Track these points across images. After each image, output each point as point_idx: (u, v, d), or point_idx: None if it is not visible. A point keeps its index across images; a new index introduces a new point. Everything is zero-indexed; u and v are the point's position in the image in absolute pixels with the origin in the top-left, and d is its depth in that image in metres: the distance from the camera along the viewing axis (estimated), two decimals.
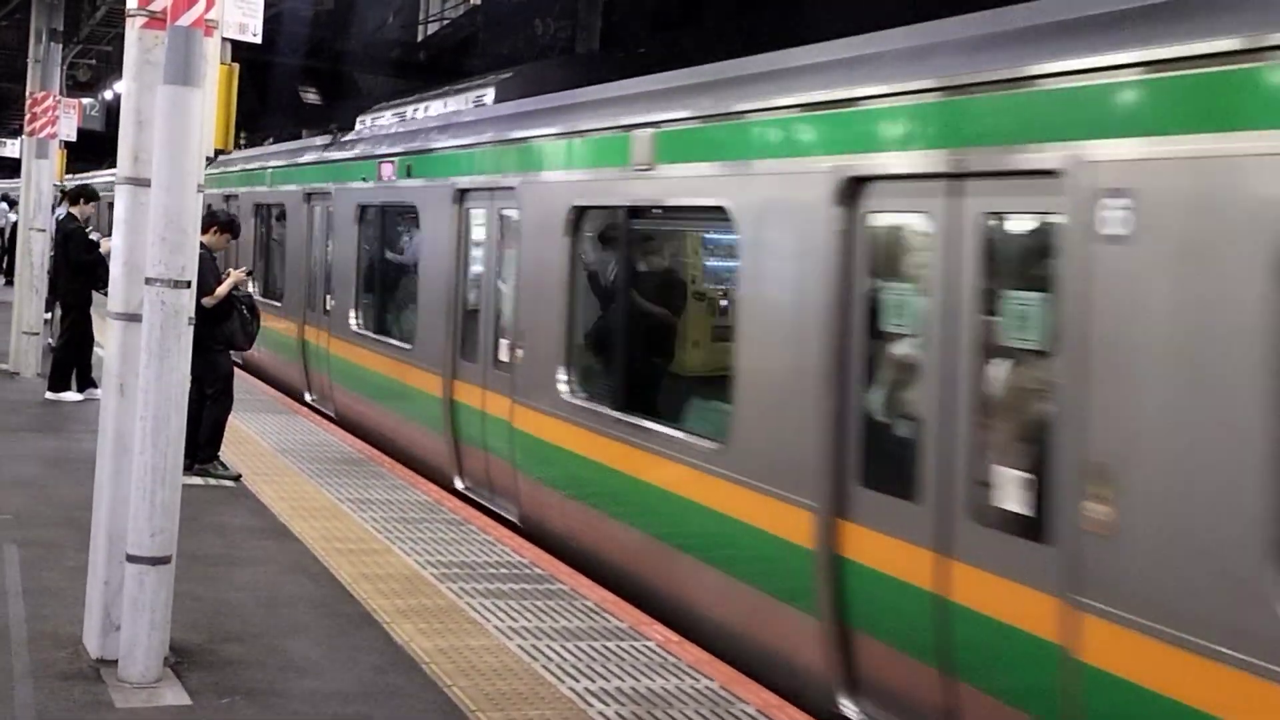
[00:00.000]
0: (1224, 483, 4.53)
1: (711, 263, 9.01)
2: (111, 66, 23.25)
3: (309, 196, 16.21)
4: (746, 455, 7.17)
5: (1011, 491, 5.48)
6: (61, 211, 15.55)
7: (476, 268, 11.28)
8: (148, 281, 5.97)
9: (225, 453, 10.74)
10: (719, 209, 7.60)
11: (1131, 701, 4.81)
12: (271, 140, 19.62)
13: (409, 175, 12.79)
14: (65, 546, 8.03)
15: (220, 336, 10.47)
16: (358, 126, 16.10)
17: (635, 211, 8.81)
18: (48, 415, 13.45)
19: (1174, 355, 4.75)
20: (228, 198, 20.54)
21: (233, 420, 10.99)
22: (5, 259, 27.66)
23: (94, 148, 32.32)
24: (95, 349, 14.15)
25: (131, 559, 5.99)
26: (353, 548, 8.68)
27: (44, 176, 16.80)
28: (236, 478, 10.52)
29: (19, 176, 20.81)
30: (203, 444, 10.37)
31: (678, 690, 6.38)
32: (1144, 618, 4.76)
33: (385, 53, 30.63)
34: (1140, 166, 4.88)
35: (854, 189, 6.44)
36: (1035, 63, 5.43)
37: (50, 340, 16.09)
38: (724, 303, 8.45)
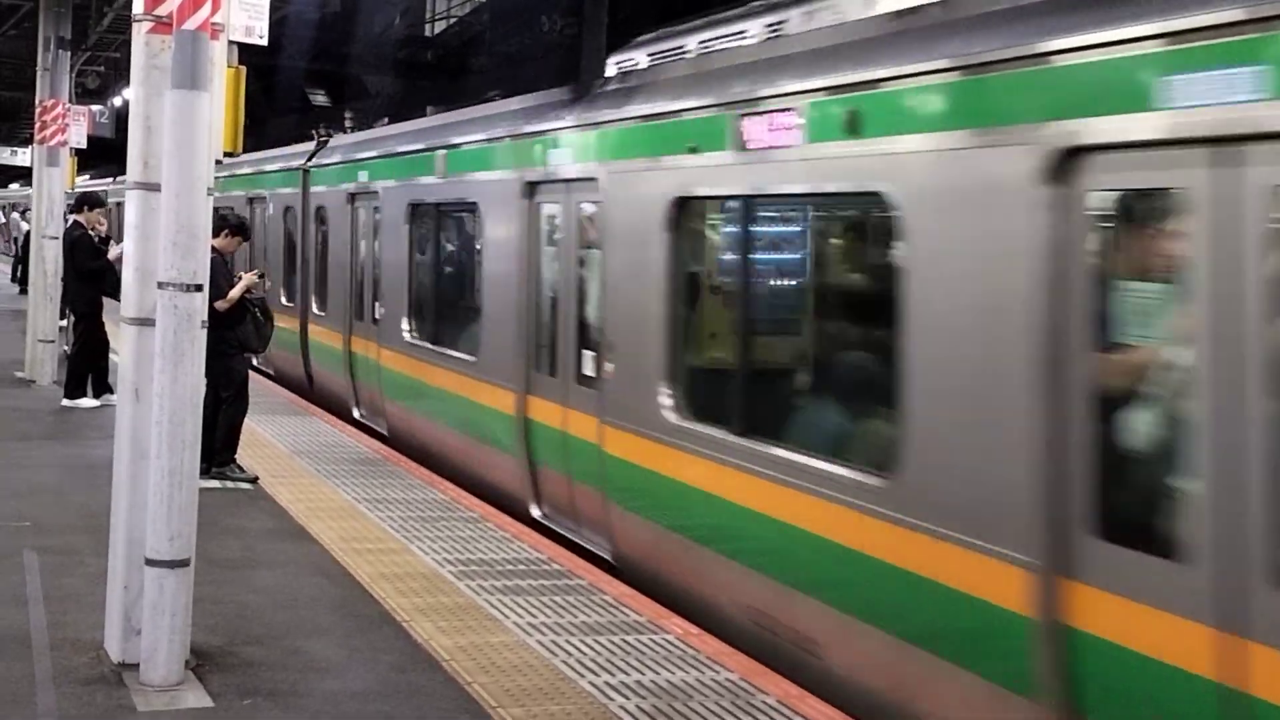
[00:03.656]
0: None
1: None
2: (120, 73, 23.29)
3: (353, 197, 15.24)
4: (926, 494, 5.88)
5: None
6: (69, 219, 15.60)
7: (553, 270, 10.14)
8: (160, 286, 5.98)
9: (241, 455, 10.77)
10: (874, 194, 6.34)
11: None
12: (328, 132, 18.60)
13: (463, 170, 11.91)
14: (84, 552, 8.06)
15: (234, 340, 10.50)
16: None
17: (754, 201, 7.49)
18: (64, 422, 13.50)
19: None
20: (251, 200, 19.98)
21: (248, 423, 11.01)
22: (20, 268, 27.78)
23: (106, 154, 32.43)
24: (110, 355, 14.19)
25: (150, 563, 6.01)
26: (370, 547, 8.69)
27: (55, 184, 16.85)
28: (253, 480, 10.54)
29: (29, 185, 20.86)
30: (219, 447, 10.40)
31: (698, 682, 6.38)
32: None
33: (393, 53, 30.64)
34: None
35: (1070, 162, 5.18)
36: None
37: (65, 348, 16.14)
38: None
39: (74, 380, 14.40)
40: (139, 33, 6.41)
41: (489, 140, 11.31)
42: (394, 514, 9.68)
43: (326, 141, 17.42)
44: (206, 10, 5.92)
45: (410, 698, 6.07)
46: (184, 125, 5.94)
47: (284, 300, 17.50)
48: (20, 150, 35.32)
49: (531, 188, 10.20)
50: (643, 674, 6.48)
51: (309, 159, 17.15)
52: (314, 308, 16.51)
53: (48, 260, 16.38)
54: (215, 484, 10.18)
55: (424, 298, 13.13)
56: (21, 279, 26.51)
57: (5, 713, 5.67)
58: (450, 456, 11.79)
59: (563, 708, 5.97)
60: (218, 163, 7.04)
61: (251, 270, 11.29)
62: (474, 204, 11.45)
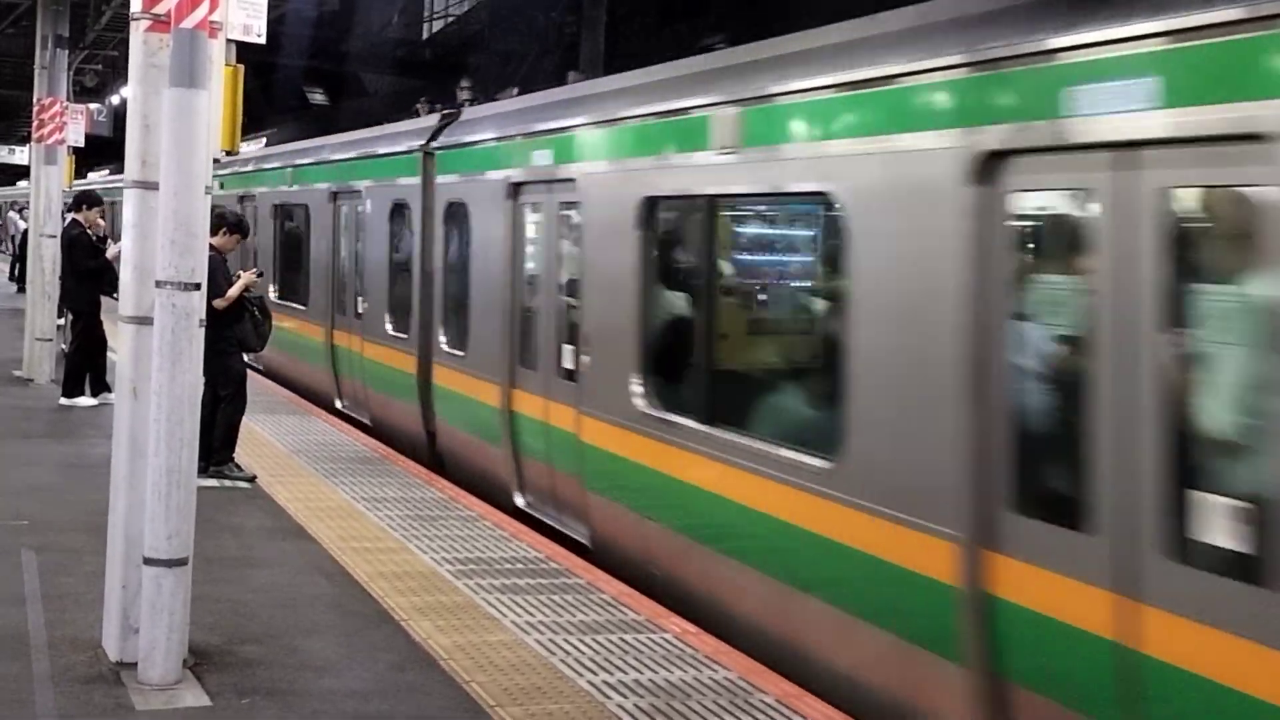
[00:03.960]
0: None
1: None
2: (118, 71, 23.31)
3: (518, 188, 10.56)
4: None
5: None
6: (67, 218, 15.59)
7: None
8: (158, 284, 5.98)
9: (240, 454, 10.76)
10: None
11: None
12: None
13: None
14: (82, 551, 8.05)
15: (232, 338, 10.49)
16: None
17: None
18: (62, 421, 13.49)
19: None
20: (335, 194, 15.56)
21: (247, 422, 11.00)
22: (18, 267, 27.81)
23: (103, 153, 32.45)
24: (108, 353, 14.20)
25: (149, 562, 6.00)
26: (369, 546, 8.69)
27: (53, 183, 16.85)
28: (251, 479, 10.53)
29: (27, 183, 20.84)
30: (217, 446, 10.39)
31: (696, 681, 6.38)
32: None
33: (391, 51, 30.66)
34: None
35: None
36: None
37: (63, 346, 16.14)
38: None
39: (72, 379, 14.39)
40: (137, 31, 6.41)
41: (900, 76, 6.12)
42: (392, 513, 9.67)
43: (456, 115, 13.05)
44: (204, 8, 5.92)
45: (408, 696, 6.07)
46: (182, 123, 5.93)
47: (391, 329, 13.32)
48: (18, 148, 35.33)
49: (992, 162, 5.55)
50: (641, 673, 6.47)
51: (431, 138, 12.72)
52: (443, 344, 11.98)
53: (45, 259, 16.37)
54: (213, 483, 10.17)
55: (684, 350, 8.18)
56: (19, 277, 26.52)
57: (4, 712, 5.67)
58: (777, 625, 7.00)
59: (561, 706, 5.97)
60: (220, 159, 7.05)
61: (251, 269, 11.26)
62: (821, 195, 6.70)
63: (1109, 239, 5.10)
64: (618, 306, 8.67)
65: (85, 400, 14.27)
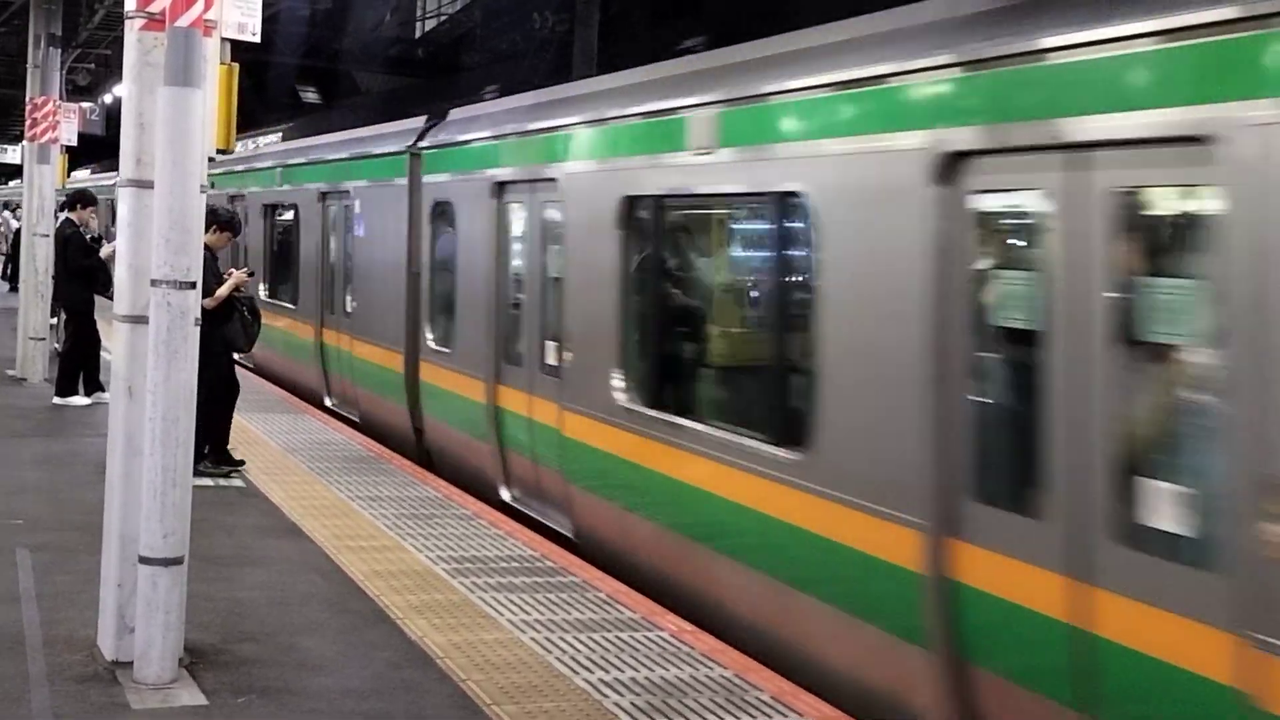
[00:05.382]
0: None
1: None
2: (111, 70, 23.27)
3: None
4: None
5: None
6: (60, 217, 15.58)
7: None
8: (153, 283, 5.98)
9: (236, 453, 10.75)
10: None
11: None
12: None
13: None
14: (77, 550, 8.04)
15: (219, 339, 10.37)
16: None
17: None
18: (56, 420, 13.47)
19: None
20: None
21: (241, 421, 10.98)
22: (10, 266, 27.77)
23: (94, 151, 32.39)
24: (102, 352, 14.19)
25: (144, 561, 6.00)
26: (364, 545, 8.69)
27: (46, 182, 16.82)
28: (240, 464, 10.52)
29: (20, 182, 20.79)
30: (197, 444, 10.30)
31: (692, 679, 6.39)
32: None
33: (384, 50, 30.64)
34: None
35: None
36: None
37: (56, 345, 16.12)
38: None
39: (65, 378, 14.38)
40: (131, 29, 6.40)
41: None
42: (387, 511, 9.67)
43: None
44: (200, 7, 5.92)
45: (405, 695, 6.07)
46: (177, 122, 5.93)
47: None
48: (10, 147, 35.27)
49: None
50: (637, 671, 6.48)
51: None
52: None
53: (39, 258, 16.35)
54: (209, 482, 10.16)
55: None
56: (11, 276, 26.49)
57: None
58: None
59: (557, 705, 5.97)
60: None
61: (243, 268, 11.21)
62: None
63: None
64: None
65: (79, 399, 14.25)
